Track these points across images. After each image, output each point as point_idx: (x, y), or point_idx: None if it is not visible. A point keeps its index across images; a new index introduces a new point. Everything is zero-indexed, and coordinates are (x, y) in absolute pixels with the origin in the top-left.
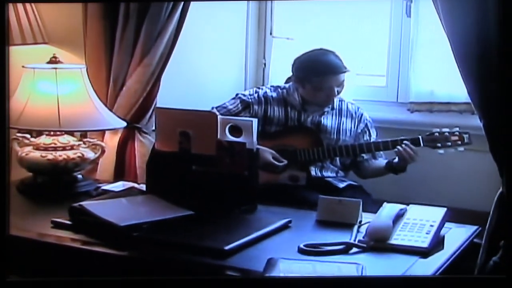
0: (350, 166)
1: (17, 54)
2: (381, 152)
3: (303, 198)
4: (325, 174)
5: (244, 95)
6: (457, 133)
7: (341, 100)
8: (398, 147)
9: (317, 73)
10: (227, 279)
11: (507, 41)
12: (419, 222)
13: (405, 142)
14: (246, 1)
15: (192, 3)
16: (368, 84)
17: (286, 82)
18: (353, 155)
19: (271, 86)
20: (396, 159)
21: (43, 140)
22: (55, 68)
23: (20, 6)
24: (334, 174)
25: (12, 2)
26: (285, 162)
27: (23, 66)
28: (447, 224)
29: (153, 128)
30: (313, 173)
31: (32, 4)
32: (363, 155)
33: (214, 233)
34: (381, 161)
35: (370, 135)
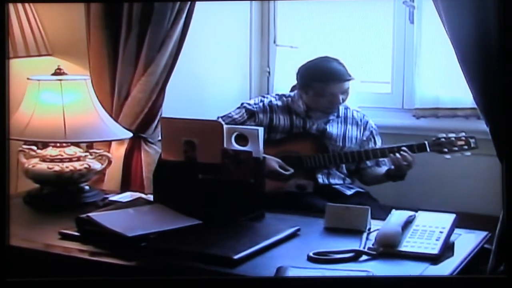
0: (354, 173)
1: (22, 66)
2: (385, 160)
3: (310, 205)
4: (332, 181)
5: (249, 104)
6: (463, 137)
7: (346, 108)
8: (391, 154)
9: (320, 79)
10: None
11: (508, 43)
12: (428, 228)
13: (402, 148)
14: (249, 11)
15: (195, 12)
16: (373, 91)
17: (291, 90)
18: (354, 162)
19: (276, 94)
20: (392, 166)
21: (50, 151)
22: (60, 80)
23: (24, 18)
24: (341, 181)
25: (12, 2)
26: (291, 170)
27: (28, 78)
28: (456, 230)
29: (159, 137)
30: (320, 180)
31: (36, 16)
32: (367, 162)
33: (222, 242)
34: (383, 168)
35: (375, 143)
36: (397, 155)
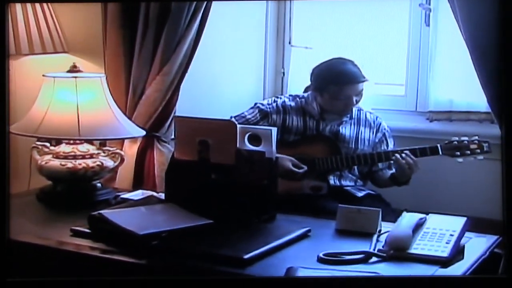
0: (367, 176)
1: (37, 63)
2: None
3: (322, 207)
4: (343, 183)
5: (262, 104)
6: (476, 141)
7: (359, 110)
8: (396, 155)
9: (335, 82)
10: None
11: None
12: (439, 231)
13: (405, 152)
14: (265, 11)
15: (211, 12)
16: (387, 93)
17: (305, 91)
18: (366, 164)
19: (289, 95)
20: (394, 170)
21: (63, 148)
22: (75, 77)
23: (40, 15)
24: (352, 183)
25: (12, 2)
26: (305, 168)
27: (43, 75)
28: (467, 234)
29: (172, 136)
30: (331, 182)
31: (52, 13)
32: (379, 164)
33: (233, 242)
34: (389, 172)
35: (387, 145)
36: (398, 156)
